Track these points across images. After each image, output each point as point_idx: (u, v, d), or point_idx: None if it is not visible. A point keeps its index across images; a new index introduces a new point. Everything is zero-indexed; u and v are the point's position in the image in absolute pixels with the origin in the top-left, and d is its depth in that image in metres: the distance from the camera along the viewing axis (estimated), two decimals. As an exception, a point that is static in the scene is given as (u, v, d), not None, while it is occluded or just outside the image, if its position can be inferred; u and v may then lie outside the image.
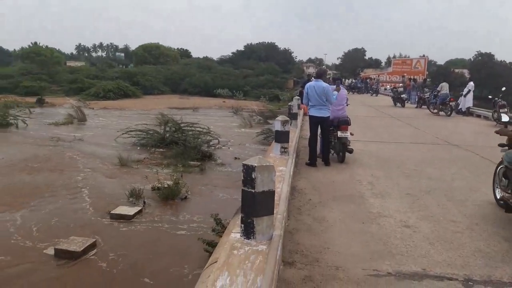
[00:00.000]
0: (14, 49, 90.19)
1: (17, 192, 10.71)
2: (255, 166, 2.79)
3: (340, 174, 7.50)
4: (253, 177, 2.79)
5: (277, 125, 6.95)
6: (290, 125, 7.57)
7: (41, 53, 59.75)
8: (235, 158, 16.12)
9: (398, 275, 3.51)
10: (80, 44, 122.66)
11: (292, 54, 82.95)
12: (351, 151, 8.44)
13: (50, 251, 7.43)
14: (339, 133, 8.29)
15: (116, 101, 37.30)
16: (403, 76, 37.53)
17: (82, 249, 7.39)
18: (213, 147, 17.61)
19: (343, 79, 44.72)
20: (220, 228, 7.75)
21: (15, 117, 21.81)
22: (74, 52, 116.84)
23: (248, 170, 2.82)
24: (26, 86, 42.39)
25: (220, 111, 33.38)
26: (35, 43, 72.34)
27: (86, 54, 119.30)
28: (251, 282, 2.23)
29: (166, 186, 10.89)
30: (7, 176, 12.21)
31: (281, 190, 4.20)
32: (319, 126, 8.07)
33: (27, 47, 69.97)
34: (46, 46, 66.25)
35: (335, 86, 8.81)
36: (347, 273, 3.50)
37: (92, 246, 7.69)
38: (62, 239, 7.83)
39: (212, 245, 7.38)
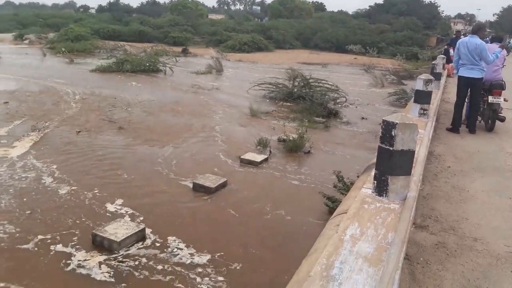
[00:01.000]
0: (165, 1, 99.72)
1: (164, 131, 12.21)
2: (396, 123, 2.67)
3: (487, 144, 6.72)
4: (393, 134, 2.68)
5: (418, 84, 6.44)
6: (433, 85, 6.95)
7: (187, 6, 64.69)
8: (362, 118, 15.60)
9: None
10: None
11: (439, 8, 74.06)
12: (502, 120, 7.43)
13: (189, 184, 8.43)
14: (490, 98, 7.32)
15: (249, 54, 38.74)
16: None
17: (215, 186, 8.20)
18: (339, 105, 17.29)
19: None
20: (342, 185, 7.77)
21: (164, 65, 24.38)
22: (215, 5, 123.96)
23: (388, 126, 2.72)
24: (174, 37, 46.65)
25: (350, 68, 32.18)
26: (183, -4, 78.32)
27: (226, 8, 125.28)
28: (382, 236, 2.22)
29: (291, 139, 11.21)
30: (157, 116, 13.96)
31: (418, 152, 3.96)
32: (468, 89, 7.23)
33: (176, 0, 76.20)
34: (192, 0, 71.29)
35: (493, 43, 7.69)
36: (486, 246, 3.23)
37: (223, 185, 8.47)
38: (199, 175, 8.79)
39: (332, 200, 7.48)
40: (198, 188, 8.21)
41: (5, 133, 10.84)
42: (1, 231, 6.20)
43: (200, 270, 5.58)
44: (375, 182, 2.82)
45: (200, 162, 9.86)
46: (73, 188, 7.82)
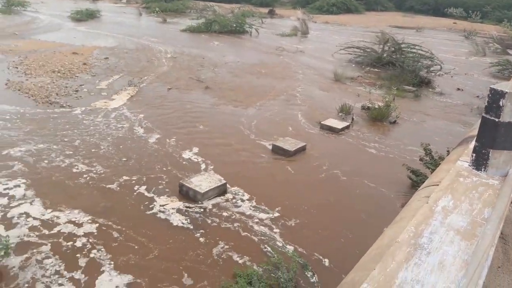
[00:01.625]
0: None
1: (247, 92, 12.44)
2: (506, 92, 2.42)
3: None
4: (501, 104, 2.45)
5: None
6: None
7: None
8: (458, 89, 14.38)
9: None
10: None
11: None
12: None
13: (268, 146, 8.60)
14: None
15: (337, 16, 37.14)
16: None
17: (294, 149, 8.27)
18: (433, 73, 16.06)
19: None
20: (429, 159, 7.35)
21: (250, 26, 24.45)
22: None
23: (496, 95, 2.48)
24: (261, -4, 46.16)
25: (448, 34, 29.38)
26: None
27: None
28: (478, 211, 2.10)
29: (376, 107, 10.76)
30: (241, 77, 14.22)
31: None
32: None
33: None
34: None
35: None
36: None
37: (302, 149, 8.51)
38: (278, 137, 8.90)
39: (417, 173, 7.14)
40: (277, 150, 8.34)
41: (105, 87, 11.87)
42: (102, 174, 6.95)
43: (265, 223, 5.78)
44: (474, 155, 2.62)
45: (280, 125, 9.95)
46: (163, 139, 8.43)
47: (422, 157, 7.43)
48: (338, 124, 9.93)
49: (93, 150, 7.72)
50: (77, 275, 4.70)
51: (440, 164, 5.48)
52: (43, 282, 4.56)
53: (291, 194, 6.77)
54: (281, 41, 22.36)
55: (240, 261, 5.06)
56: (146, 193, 6.47)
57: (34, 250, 5.04)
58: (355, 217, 6.28)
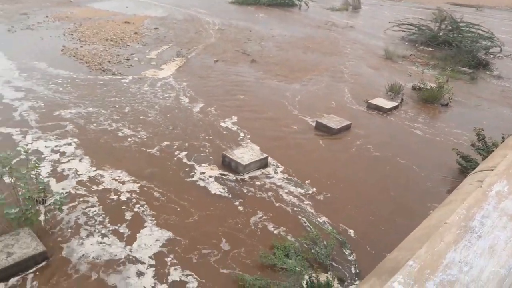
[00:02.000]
0: None
1: (293, 67, 12.29)
2: None
3: None
4: None
5: None
6: None
7: None
8: (519, 73, 13.44)
9: None
10: None
11: None
12: None
13: (311, 122, 8.52)
14: None
15: (391, -9, 35.35)
16: None
17: (338, 127, 8.14)
18: (492, 55, 15.07)
19: None
20: (482, 145, 7.01)
21: (299, -1, 23.86)
22: None
23: None
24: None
25: (511, 14, 27.25)
26: None
27: None
28: (536, 199, 1.99)
29: (428, 88, 10.30)
30: (288, 51, 14.03)
31: None
32: None
33: None
34: None
35: None
36: None
37: (347, 127, 8.36)
38: (322, 114, 8.78)
39: (467, 159, 6.85)
40: (321, 127, 8.24)
41: (155, 56, 12.14)
42: (147, 140, 7.20)
43: (304, 198, 5.80)
44: (535, 141, 2.48)
45: (325, 101, 9.79)
46: (207, 110, 8.56)
47: (474, 142, 7.10)
48: (386, 104, 9.63)
49: (141, 117, 8.00)
50: (119, 227, 5.00)
51: (493, 150, 5.21)
52: (86, 229, 4.88)
53: (331, 172, 6.73)
54: (331, 15, 21.71)
55: (277, 232, 5.15)
56: (187, 161, 6.65)
57: (81, 200, 5.42)
58: (396, 199, 6.15)
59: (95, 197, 5.53)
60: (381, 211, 5.80)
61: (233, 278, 4.38)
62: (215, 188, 5.99)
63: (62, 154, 6.53)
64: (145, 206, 5.42)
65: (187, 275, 4.42)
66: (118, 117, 7.92)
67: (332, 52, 14.41)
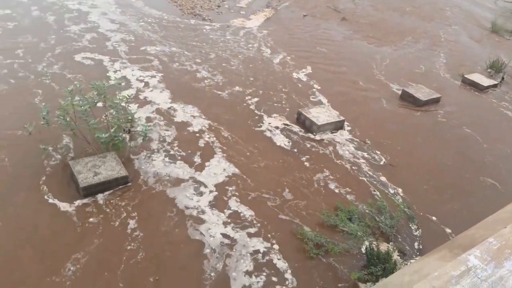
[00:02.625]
0: None
1: (386, 30, 11.52)
2: None
3: None
4: None
5: None
6: None
7: None
8: None
9: None
10: None
11: None
12: None
13: (397, 90, 8.06)
14: None
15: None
16: None
17: (425, 99, 7.61)
18: None
19: None
20: None
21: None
22: None
23: None
24: None
25: None
26: None
27: None
28: None
29: (538, 69, 9.15)
30: (383, 12, 13.12)
31: None
32: None
33: None
34: None
35: None
36: None
37: (436, 100, 7.79)
38: (410, 83, 8.26)
39: None
40: (406, 97, 7.78)
41: (245, 6, 12.07)
42: (223, 85, 7.35)
43: (376, 166, 5.61)
44: None
45: (416, 70, 9.16)
46: (290, 64, 8.45)
47: None
48: (484, 81, 8.76)
49: (223, 64, 8.14)
50: (192, 156, 5.41)
51: None
52: (162, 156, 5.24)
53: (409, 146, 6.41)
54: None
55: (342, 195, 5.11)
56: (257, 111, 6.70)
57: (157, 121, 5.88)
58: (473, 183, 5.74)
59: (172, 127, 5.94)
60: (456, 192, 5.46)
61: (291, 229, 4.48)
62: (284, 141, 6.01)
63: (146, 84, 7.00)
64: (216, 142, 5.73)
65: (244, 210, 4.65)
66: (200, 61, 8.14)
67: (432, 17, 13.23)
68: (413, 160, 6.03)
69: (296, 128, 6.39)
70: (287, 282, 3.90)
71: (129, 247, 4.02)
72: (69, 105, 4.75)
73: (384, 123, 6.94)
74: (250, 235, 4.35)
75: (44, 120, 4.79)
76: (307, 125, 6.47)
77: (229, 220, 4.49)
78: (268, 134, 6.16)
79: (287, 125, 6.45)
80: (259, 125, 6.36)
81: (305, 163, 5.63)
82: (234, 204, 4.72)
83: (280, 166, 5.51)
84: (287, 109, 6.85)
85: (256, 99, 6.99)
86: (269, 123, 6.40)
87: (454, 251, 1.47)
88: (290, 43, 9.63)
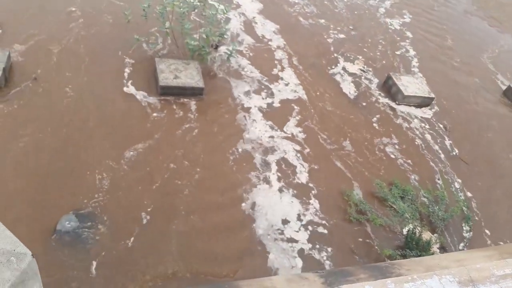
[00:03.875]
0: None
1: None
2: None
3: None
4: None
5: None
6: None
7: None
8: None
9: None
10: None
11: None
12: None
13: (502, 85, 7.26)
14: None
15: None
16: None
17: None
18: None
19: None
20: None
21: None
22: None
23: None
24: None
25: None
26: None
27: None
28: None
29: None
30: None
31: None
32: None
33: None
34: None
35: None
36: None
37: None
38: None
39: None
40: (510, 95, 6.98)
41: None
42: (318, 30, 7.06)
43: (452, 156, 5.26)
44: None
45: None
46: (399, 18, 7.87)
47: None
48: None
49: (325, 2, 7.74)
50: (267, 77, 5.41)
51: None
52: (238, 77, 5.33)
53: (495, 147, 5.88)
54: None
55: (403, 168, 4.93)
56: (343, 62, 6.45)
57: (242, 38, 5.97)
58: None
59: (252, 49, 5.99)
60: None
61: (341, 188, 4.45)
62: (367, 102, 5.81)
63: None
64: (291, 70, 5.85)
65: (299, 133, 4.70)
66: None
67: None
68: (495, 162, 5.57)
69: (381, 92, 6.10)
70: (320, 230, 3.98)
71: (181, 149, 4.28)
72: (170, 4, 4.86)
73: (474, 116, 6.36)
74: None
75: (144, 12, 4.97)
76: (393, 91, 6.11)
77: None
78: (336, 77, 6.13)
79: (364, 74, 6.23)
80: (332, 68, 6.26)
81: (374, 124, 5.45)
82: (294, 129, 4.97)
83: (350, 119, 5.41)
84: (379, 73, 6.49)
85: (339, 56, 6.70)
86: (342, 67, 6.31)
87: (504, 255, 1.39)
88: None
